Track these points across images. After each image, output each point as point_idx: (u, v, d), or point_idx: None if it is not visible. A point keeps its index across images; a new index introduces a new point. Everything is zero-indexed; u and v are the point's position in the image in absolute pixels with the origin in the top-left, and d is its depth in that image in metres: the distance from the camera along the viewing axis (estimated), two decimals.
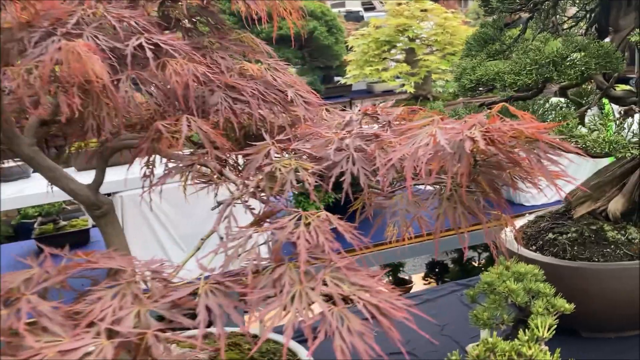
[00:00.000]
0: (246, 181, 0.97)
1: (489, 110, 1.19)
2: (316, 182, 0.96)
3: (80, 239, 3.42)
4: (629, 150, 1.28)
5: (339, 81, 5.58)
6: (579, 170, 3.04)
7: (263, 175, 0.95)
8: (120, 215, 2.96)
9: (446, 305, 1.95)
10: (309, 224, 0.85)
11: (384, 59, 3.93)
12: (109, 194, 3.23)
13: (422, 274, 4.45)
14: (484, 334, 1.52)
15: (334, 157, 0.97)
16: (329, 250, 0.82)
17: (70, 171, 1.74)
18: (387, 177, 0.96)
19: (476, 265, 4.18)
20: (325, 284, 0.79)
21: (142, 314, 0.76)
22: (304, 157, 1.03)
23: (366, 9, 9.81)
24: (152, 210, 2.88)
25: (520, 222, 1.94)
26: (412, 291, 4.25)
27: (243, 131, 1.29)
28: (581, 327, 1.66)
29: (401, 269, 4.42)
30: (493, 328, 1.43)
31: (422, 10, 3.93)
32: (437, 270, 4.30)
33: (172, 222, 2.92)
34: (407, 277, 4.48)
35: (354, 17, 8.70)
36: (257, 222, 0.92)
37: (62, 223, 3.59)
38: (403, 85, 4.09)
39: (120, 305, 0.76)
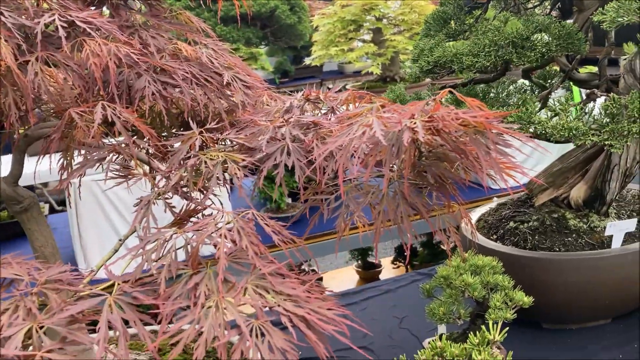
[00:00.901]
0: (169, 175, 0.87)
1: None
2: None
3: None
4: (588, 137, 1.21)
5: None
6: (546, 153, 2.99)
7: (186, 168, 0.85)
8: (74, 198, 2.84)
9: (406, 296, 1.88)
10: (232, 225, 0.76)
11: (350, 39, 3.82)
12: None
13: (392, 258, 4.41)
14: (442, 328, 1.46)
15: (267, 148, 0.88)
16: (252, 255, 0.73)
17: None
18: (326, 169, 0.87)
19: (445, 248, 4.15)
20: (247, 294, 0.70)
21: (34, 331, 0.67)
22: (237, 147, 0.94)
23: None
24: (104, 192, 2.76)
25: (482, 210, 1.87)
26: (375, 279, 4.22)
27: (181, 118, 1.20)
28: (542, 318, 1.61)
29: (370, 252, 4.37)
30: (450, 323, 1.37)
31: None
32: (405, 254, 4.28)
33: (125, 205, 2.80)
34: (376, 261, 4.45)
35: None
36: (179, 222, 0.83)
37: None
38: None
39: (10, 322, 0.67)
